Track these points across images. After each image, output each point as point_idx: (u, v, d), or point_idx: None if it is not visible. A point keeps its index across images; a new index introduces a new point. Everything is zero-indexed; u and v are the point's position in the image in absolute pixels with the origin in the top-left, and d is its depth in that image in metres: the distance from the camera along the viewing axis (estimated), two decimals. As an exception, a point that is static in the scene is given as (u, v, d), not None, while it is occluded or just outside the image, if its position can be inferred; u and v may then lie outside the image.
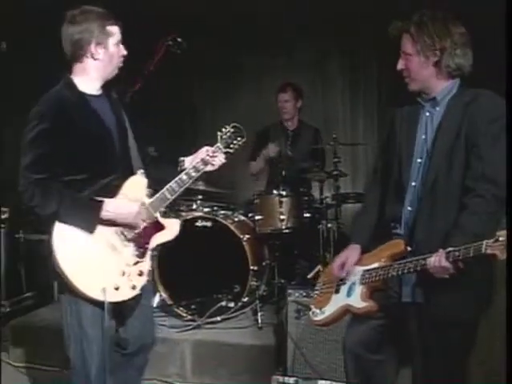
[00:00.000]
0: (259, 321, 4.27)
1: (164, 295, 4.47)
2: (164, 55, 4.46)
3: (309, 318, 3.46)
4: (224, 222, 4.46)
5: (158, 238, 2.88)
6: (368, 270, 2.61)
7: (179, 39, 4.46)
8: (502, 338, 2.78)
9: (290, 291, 3.80)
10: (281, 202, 4.65)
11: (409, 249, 2.48)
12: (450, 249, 2.20)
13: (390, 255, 2.54)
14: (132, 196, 2.80)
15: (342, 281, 2.72)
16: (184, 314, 4.41)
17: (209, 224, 4.48)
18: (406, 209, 2.53)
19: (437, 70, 2.48)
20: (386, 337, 2.62)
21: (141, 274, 2.76)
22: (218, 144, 2.99)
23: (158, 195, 2.87)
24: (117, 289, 2.66)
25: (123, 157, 2.88)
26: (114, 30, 2.83)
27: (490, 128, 2.34)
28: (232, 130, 3.02)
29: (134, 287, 2.73)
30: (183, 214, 4.65)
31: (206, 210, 4.66)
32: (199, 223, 4.49)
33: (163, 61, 4.51)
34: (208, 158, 2.95)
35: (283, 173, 4.95)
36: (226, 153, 3.00)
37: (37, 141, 2.63)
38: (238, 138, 3.01)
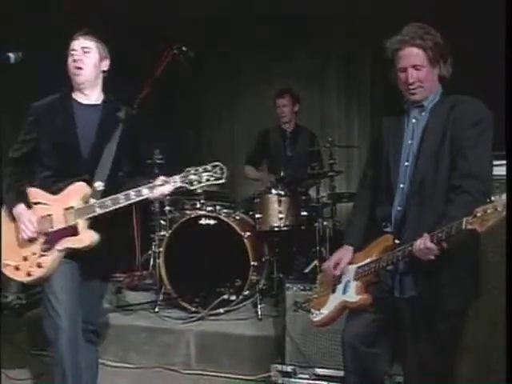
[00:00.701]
0: (259, 313, 4.37)
1: (169, 288, 4.55)
2: (169, 63, 4.62)
3: (306, 310, 3.58)
4: (226, 219, 4.53)
5: (67, 242, 2.92)
6: (360, 267, 2.67)
7: (184, 48, 4.63)
8: (486, 326, 2.94)
9: (288, 285, 3.85)
10: (280, 201, 4.74)
11: (397, 241, 2.54)
12: (434, 232, 2.27)
13: (381, 250, 2.60)
14: (64, 199, 2.94)
15: (338, 281, 2.78)
16: (188, 307, 4.48)
17: (212, 222, 4.55)
18: (396, 209, 2.59)
19: (436, 82, 2.58)
20: (381, 331, 2.65)
21: (39, 266, 2.94)
22: (176, 177, 2.83)
23: (87, 205, 2.92)
24: (17, 269, 2.99)
25: (90, 164, 2.98)
26: (72, 44, 3.06)
27: (473, 131, 2.42)
28: (208, 171, 2.78)
29: (29, 274, 2.96)
30: (187, 212, 4.74)
31: (209, 208, 4.72)
32: (203, 221, 4.56)
33: (168, 68, 4.68)
34: (156, 186, 2.85)
35: (282, 173, 5.04)
36: (183, 187, 2.83)
37: (22, 140, 3.09)
38: (212, 179, 2.77)
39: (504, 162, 2.73)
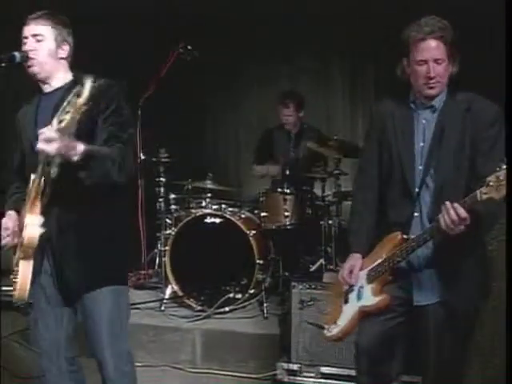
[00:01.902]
0: (265, 311, 4.37)
1: (175, 287, 4.57)
2: (174, 62, 4.64)
3: (312, 308, 3.63)
4: (232, 218, 4.55)
5: (20, 248, 2.54)
6: (372, 269, 2.58)
7: (189, 47, 4.66)
8: (493, 326, 2.95)
9: (293, 283, 3.83)
10: (285, 200, 4.76)
11: (405, 236, 2.49)
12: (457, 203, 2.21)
13: (390, 248, 2.52)
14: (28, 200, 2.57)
15: (350, 290, 2.67)
16: (194, 305, 4.50)
17: (217, 220, 4.57)
18: (414, 215, 2.52)
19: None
20: (396, 335, 2.61)
21: (15, 281, 2.54)
22: (54, 118, 2.25)
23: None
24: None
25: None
26: (23, 30, 2.64)
27: (491, 131, 2.38)
28: (71, 95, 2.14)
29: (14, 294, 2.56)
30: (193, 210, 4.76)
31: (215, 207, 4.73)
32: (208, 220, 4.58)
33: (173, 67, 4.70)
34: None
35: (287, 172, 5.05)
36: (60, 129, 2.18)
37: (16, 147, 2.79)
38: (73, 100, 2.12)
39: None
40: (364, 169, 2.79)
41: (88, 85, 2.10)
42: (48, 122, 2.41)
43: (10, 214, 2.71)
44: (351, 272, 2.66)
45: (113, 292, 2.64)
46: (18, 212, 2.68)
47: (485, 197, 2.13)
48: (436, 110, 2.53)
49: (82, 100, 2.09)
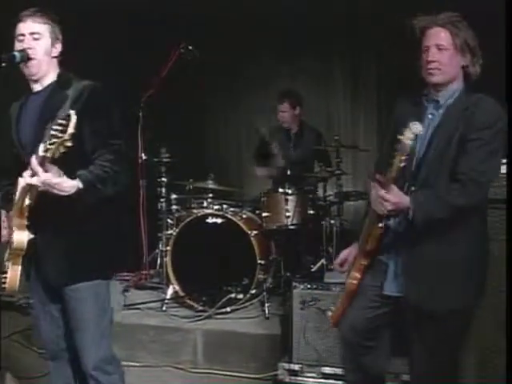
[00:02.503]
0: (266, 311, 4.36)
1: (177, 287, 4.56)
2: (175, 62, 4.64)
3: (313, 308, 3.64)
4: (233, 218, 4.54)
5: (9, 250, 2.57)
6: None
7: (190, 47, 4.66)
8: (492, 324, 2.93)
9: (294, 284, 3.82)
10: (286, 200, 4.74)
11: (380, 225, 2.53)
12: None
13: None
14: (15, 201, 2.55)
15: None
16: (195, 305, 4.48)
17: (219, 220, 4.55)
18: None
19: (458, 73, 2.50)
20: (377, 324, 2.64)
21: (4, 278, 2.58)
22: (41, 145, 2.22)
23: (15, 201, 2.52)
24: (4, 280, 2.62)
25: (30, 155, 2.41)
26: (18, 27, 2.60)
27: (482, 134, 2.36)
28: (57, 125, 2.14)
29: (2, 288, 2.60)
30: (194, 211, 4.75)
31: (216, 207, 4.72)
32: (210, 220, 4.56)
33: (174, 67, 4.69)
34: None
35: (288, 172, 5.04)
36: (43, 158, 2.21)
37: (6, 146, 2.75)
38: (59, 135, 2.12)
39: (504, 160, 2.69)
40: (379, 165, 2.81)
41: (73, 121, 2.11)
42: (30, 122, 2.56)
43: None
44: (346, 260, 2.76)
45: (92, 286, 2.65)
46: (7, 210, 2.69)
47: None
48: (441, 106, 2.52)
49: (66, 136, 2.12)
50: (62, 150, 2.14)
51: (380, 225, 2.52)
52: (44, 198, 2.39)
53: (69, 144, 2.12)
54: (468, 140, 2.38)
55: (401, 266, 2.53)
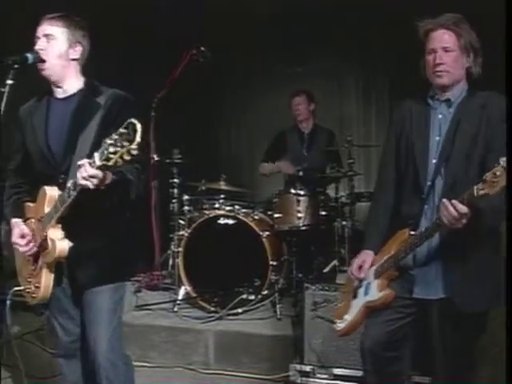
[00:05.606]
0: (278, 312, 4.35)
1: (188, 288, 4.58)
2: (187, 63, 4.65)
3: (325, 310, 3.60)
4: (245, 219, 4.55)
5: (43, 257, 2.56)
6: (380, 265, 2.63)
7: (203, 48, 4.67)
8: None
9: (306, 285, 3.84)
10: (298, 201, 4.75)
11: (412, 233, 2.51)
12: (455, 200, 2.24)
13: (398, 244, 2.56)
14: (38, 209, 2.59)
15: (359, 286, 2.73)
16: (207, 306, 4.49)
17: (230, 221, 4.59)
18: (424, 208, 2.53)
19: (463, 73, 2.53)
20: (401, 334, 2.61)
21: (37, 287, 2.58)
22: (96, 154, 2.19)
23: (49, 210, 2.51)
24: (28, 292, 2.65)
25: (62, 163, 2.56)
26: (37, 30, 2.61)
27: (503, 128, 2.36)
28: (118, 134, 2.11)
29: (33, 297, 2.62)
30: (206, 212, 4.75)
31: (228, 208, 4.72)
32: (221, 221, 4.60)
33: (186, 69, 4.70)
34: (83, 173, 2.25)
35: (300, 173, 5.06)
36: (103, 166, 2.19)
37: (15, 149, 2.78)
38: (125, 143, 2.09)
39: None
40: (383, 170, 2.82)
41: (139, 130, 2.09)
42: (61, 130, 2.57)
43: (17, 222, 2.68)
44: (361, 267, 2.70)
45: (111, 289, 2.70)
46: (20, 216, 2.70)
47: (481, 192, 2.15)
48: (452, 104, 2.54)
49: (134, 146, 2.08)
50: (126, 157, 2.12)
51: (413, 232, 2.52)
52: (76, 204, 2.41)
53: (135, 152, 2.10)
54: (493, 137, 2.40)
55: (442, 269, 2.49)
